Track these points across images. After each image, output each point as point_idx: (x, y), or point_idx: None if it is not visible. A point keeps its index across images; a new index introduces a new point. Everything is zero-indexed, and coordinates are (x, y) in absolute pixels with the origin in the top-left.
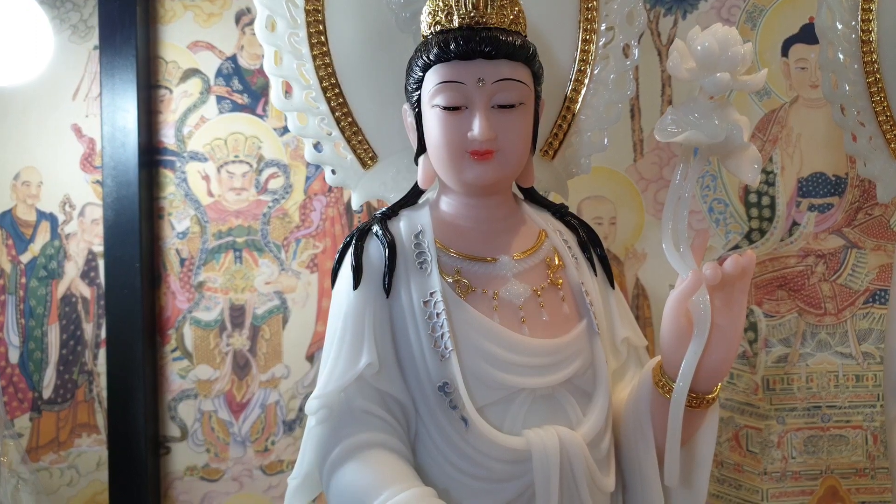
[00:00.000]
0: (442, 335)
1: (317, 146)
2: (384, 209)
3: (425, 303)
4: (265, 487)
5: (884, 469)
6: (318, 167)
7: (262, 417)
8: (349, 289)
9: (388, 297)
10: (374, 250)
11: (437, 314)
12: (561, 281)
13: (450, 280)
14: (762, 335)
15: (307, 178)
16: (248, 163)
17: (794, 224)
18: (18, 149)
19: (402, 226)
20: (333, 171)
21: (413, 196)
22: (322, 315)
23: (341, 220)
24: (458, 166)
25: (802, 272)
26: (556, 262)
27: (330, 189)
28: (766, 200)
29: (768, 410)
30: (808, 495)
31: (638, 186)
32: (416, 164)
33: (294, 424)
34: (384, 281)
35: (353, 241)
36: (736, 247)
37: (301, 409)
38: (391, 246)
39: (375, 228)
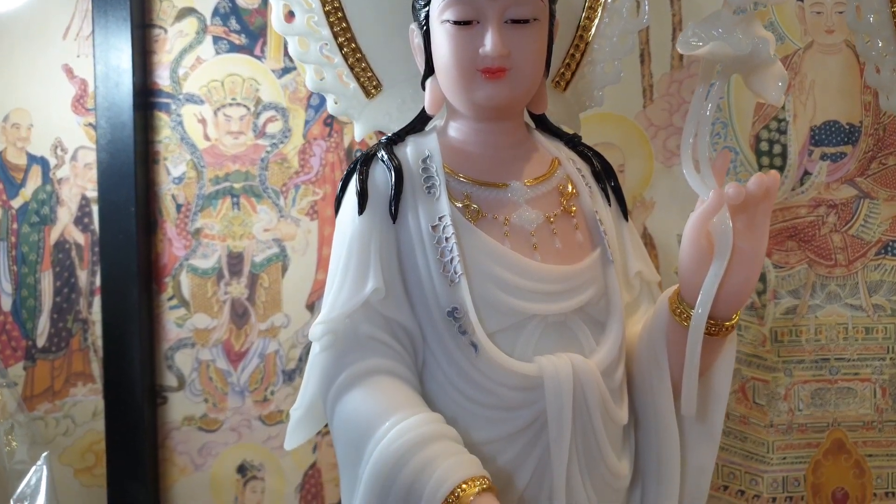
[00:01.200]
0: (451, 259)
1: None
2: (389, 135)
3: (433, 227)
4: (264, 438)
5: (891, 422)
6: (317, 111)
7: (262, 367)
8: (354, 214)
9: (394, 223)
10: (380, 175)
11: (446, 238)
12: (574, 209)
13: (459, 205)
14: (771, 286)
15: (306, 122)
16: (245, 106)
17: (806, 173)
18: (7, 90)
19: (409, 151)
20: (336, 101)
21: (420, 122)
22: (323, 263)
23: (342, 167)
24: (468, 85)
25: (813, 222)
26: (570, 190)
27: (330, 134)
28: (777, 149)
29: (776, 363)
30: (814, 448)
31: (647, 133)
32: (423, 89)
33: (294, 374)
34: (390, 206)
35: (358, 167)
36: None
37: (301, 360)
38: (397, 171)
39: (381, 153)
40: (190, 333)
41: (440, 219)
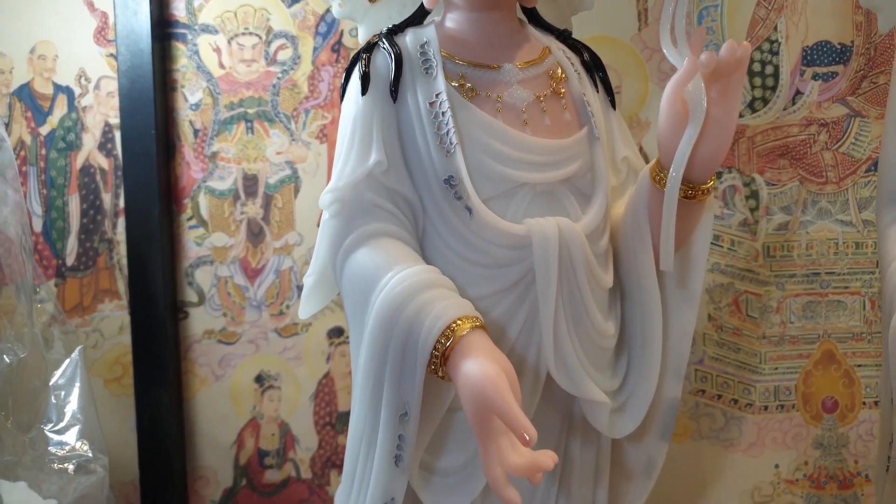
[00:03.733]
0: (447, 132)
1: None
2: (390, 26)
3: (431, 104)
4: (280, 349)
5: (880, 334)
6: (325, 38)
7: (277, 283)
8: (357, 96)
9: (394, 102)
10: (381, 60)
11: (443, 113)
12: (563, 91)
13: (455, 84)
14: (763, 203)
15: (314, 50)
16: (257, 35)
17: (798, 93)
18: (32, 23)
19: (408, 39)
20: (341, 5)
21: (419, 17)
22: None
23: None
24: None
25: (805, 141)
26: (560, 74)
27: (337, 60)
28: (769, 70)
29: (768, 277)
30: (804, 359)
31: (642, 55)
32: None
33: None
34: (391, 87)
35: (361, 55)
36: (739, 115)
37: None
38: (397, 56)
39: (382, 42)
40: (209, 251)
41: (437, 96)
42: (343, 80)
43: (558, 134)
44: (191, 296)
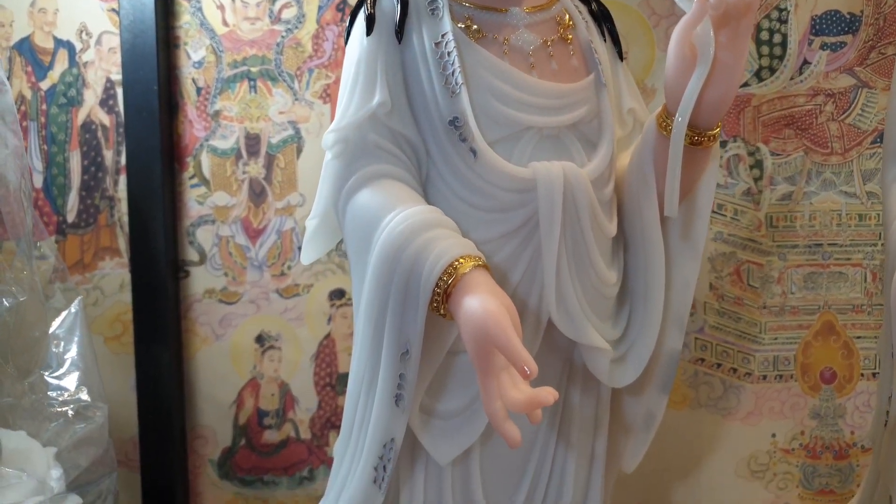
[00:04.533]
0: (452, 73)
1: None
2: None
3: (436, 44)
4: (281, 310)
5: (880, 306)
6: None
7: (279, 243)
8: (362, 37)
9: (400, 44)
10: (387, 2)
11: (448, 53)
12: (570, 37)
13: (461, 25)
14: (767, 173)
15: (319, 8)
16: None
17: (805, 62)
18: None
19: None
20: None
21: None
22: None
23: None
24: None
25: (811, 111)
26: (567, 21)
27: (342, 19)
28: (777, 38)
29: (770, 247)
30: (804, 329)
31: (650, 21)
32: None
33: None
34: (396, 28)
35: None
36: (745, 84)
37: None
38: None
39: None
40: (210, 210)
41: (443, 36)
42: (348, 24)
43: (565, 79)
44: (192, 255)
